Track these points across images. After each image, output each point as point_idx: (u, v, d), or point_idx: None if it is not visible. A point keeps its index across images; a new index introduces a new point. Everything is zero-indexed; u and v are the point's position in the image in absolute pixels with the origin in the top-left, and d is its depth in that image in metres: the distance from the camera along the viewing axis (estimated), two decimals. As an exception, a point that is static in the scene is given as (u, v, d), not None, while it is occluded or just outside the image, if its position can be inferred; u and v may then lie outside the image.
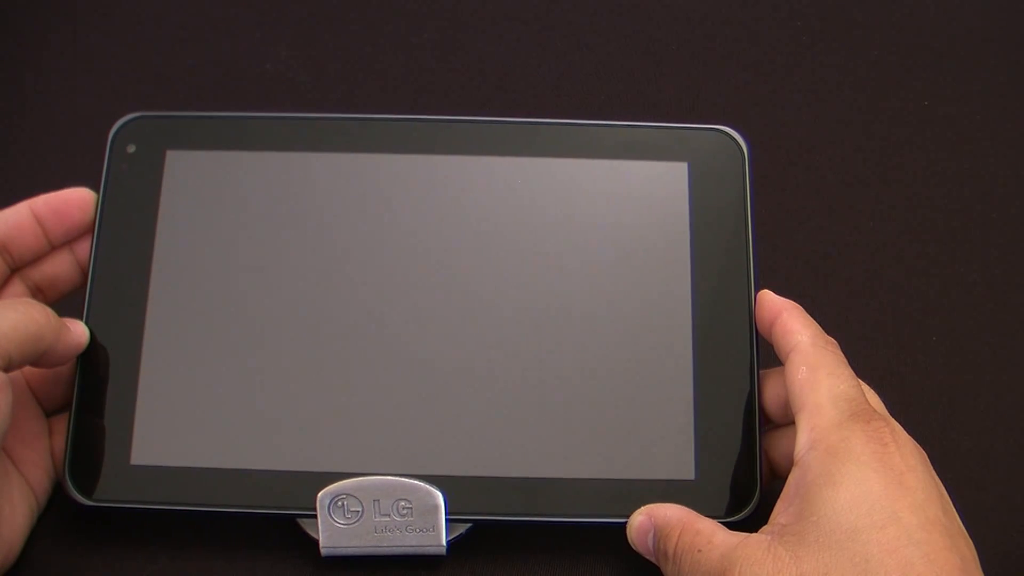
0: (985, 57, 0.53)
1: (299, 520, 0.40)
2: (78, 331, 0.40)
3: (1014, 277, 0.48)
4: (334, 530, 0.39)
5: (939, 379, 0.46)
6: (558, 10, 0.55)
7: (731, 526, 0.37)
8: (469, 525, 0.40)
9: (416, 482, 0.39)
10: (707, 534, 0.36)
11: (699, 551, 0.36)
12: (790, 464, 0.37)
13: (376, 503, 0.39)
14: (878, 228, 0.49)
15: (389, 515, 0.39)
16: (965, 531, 0.35)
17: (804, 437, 0.36)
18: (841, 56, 0.53)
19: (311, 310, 0.41)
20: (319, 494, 0.39)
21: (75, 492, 0.39)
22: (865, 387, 0.39)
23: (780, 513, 0.36)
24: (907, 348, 0.47)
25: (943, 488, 0.36)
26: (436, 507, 0.39)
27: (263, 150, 0.43)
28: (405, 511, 0.39)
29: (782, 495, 0.36)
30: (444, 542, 0.39)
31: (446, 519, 0.39)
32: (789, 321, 0.39)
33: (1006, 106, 0.52)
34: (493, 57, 0.53)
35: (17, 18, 0.54)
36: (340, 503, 0.39)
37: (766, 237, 0.46)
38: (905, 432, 0.37)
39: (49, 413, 0.42)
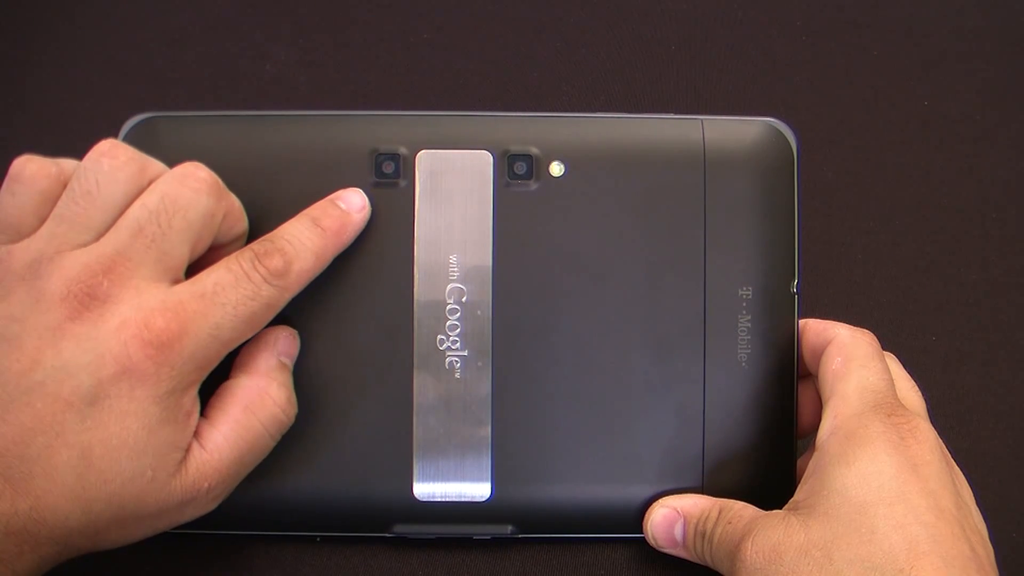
0: (985, 57, 0.53)
1: None
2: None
3: (1014, 277, 0.48)
4: None
5: (939, 379, 0.46)
6: (559, 11, 0.55)
7: None
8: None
9: None
10: (739, 509, 0.38)
11: (729, 523, 0.37)
12: (809, 423, 0.41)
13: None
14: (878, 228, 0.49)
15: None
16: (985, 534, 0.36)
17: (827, 424, 0.37)
18: (840, 56, 0.53)
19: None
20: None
21: None
22: (912, 385, 0.40)
23: (797, 492, 0.37)
24: (907, 348, 0.47)
25: (964, 488, 0.36)
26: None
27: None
28: None
29: (800, 478, 0.38)
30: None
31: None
32: (826, 322, 0.41)
33: (1006, 106, 0.52)
34: (495, 57, 0.53)
35: (16, 18, 0.54)
36: None
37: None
38: (933, 432, 0.37)
39: None
